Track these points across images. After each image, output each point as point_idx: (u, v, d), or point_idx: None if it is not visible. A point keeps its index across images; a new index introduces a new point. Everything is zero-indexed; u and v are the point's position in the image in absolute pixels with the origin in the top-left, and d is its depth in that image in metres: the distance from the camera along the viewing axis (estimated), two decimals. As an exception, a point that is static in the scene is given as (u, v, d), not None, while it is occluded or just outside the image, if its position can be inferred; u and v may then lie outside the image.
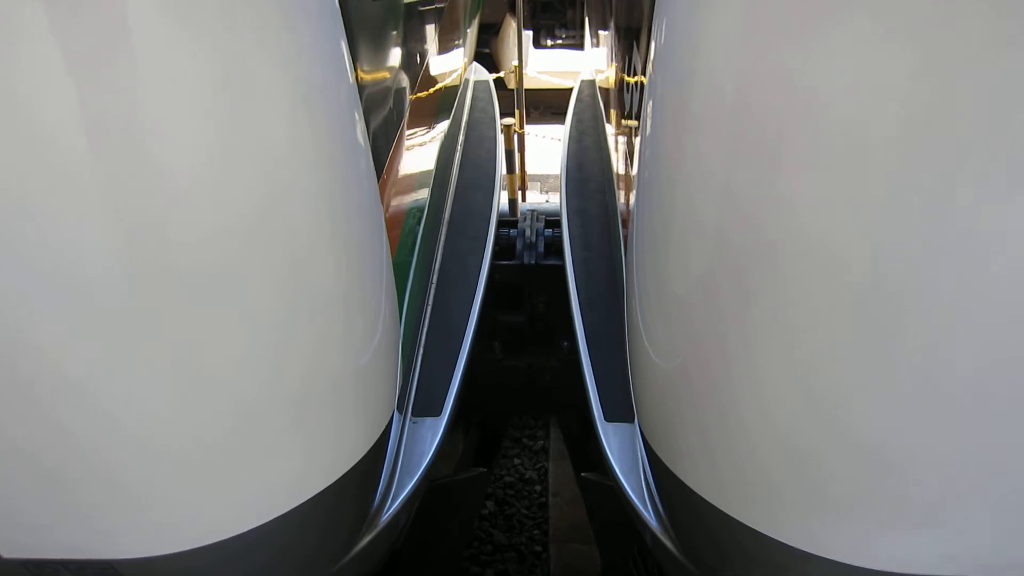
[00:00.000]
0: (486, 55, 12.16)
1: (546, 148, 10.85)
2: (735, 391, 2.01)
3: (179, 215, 1.61)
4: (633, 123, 3.05)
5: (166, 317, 1.71)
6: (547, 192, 10.20)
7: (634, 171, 2.71)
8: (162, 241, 1.62)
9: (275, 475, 2.20)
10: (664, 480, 2.55)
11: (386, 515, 2.90)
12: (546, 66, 12.58)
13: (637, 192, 2.51)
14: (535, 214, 5.42)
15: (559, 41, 13.70)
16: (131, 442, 1.85)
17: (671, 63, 2.02)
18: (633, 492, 2.97)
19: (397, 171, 3.02)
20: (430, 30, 4.14)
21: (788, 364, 1.83)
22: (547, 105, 12.47)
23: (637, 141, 2.64)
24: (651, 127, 2.26)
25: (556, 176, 10.21)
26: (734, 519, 2.23)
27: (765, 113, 1.59)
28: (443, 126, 4.71)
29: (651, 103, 2.24)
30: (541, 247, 5.13)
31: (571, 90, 6.68)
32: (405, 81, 3.28)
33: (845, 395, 1.77)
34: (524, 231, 5.21)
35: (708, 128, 1.79)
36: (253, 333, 1.89)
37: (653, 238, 2.26)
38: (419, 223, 3.75)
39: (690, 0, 1.87)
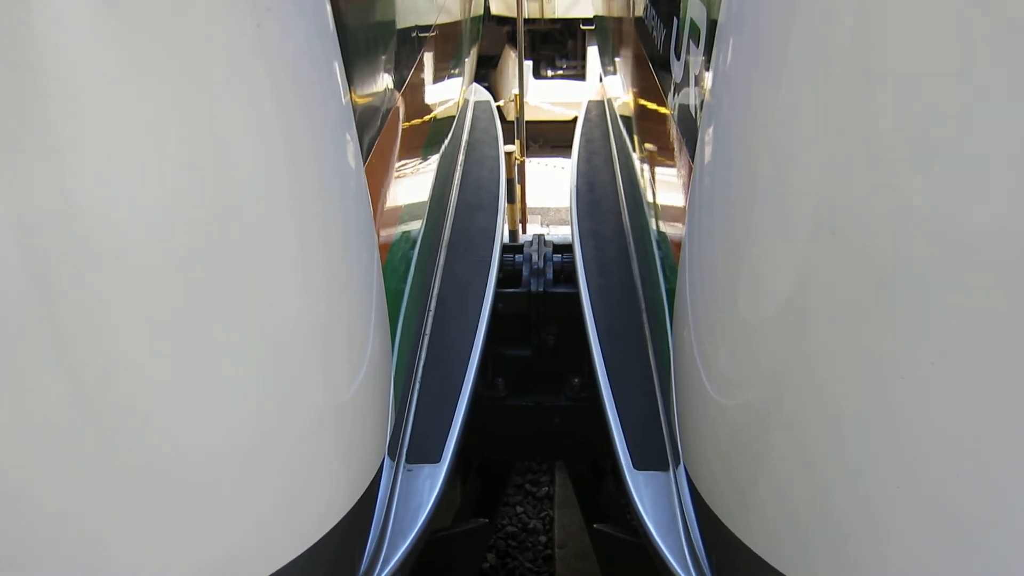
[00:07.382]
0: (485, 89, 12.26)
1: (547, 180, 10.68)
2: (823, 437, 1.74)
3: (112, 226, 1.44)
4: (675, 145, 2.94)
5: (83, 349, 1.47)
6: (548, 225, 10.01)
7: (680, 194, 2.63)
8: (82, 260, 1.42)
9: (240, 540, 1.88)
10: (718, 540, 2.26)
11: (375, 583, 2.50)
12: (543, 99, 12.58)
13: (693, 215, 2.39)
14: (542, 239, 5.12)
15: (559, 71, 13.78)
16: (61, 510, 1.60)
17: (745, 83, 1.94)
18: (670, 552, 2.66)
19: (387, 191, 2.90)
20: (427, 45, 4.05)
21: (897, 412, 1.58)
22: (547, 138, 12.41)
23: (690, 163, 2.54)
24: (715, 150, 2.15)
25: (558, 209, 10.19)
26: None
27: (888, 119, 1.43)
28: (440, 145, 4.61)
29: (712, 127, 2.16)
30: (550, 273, 4.83)
31: (573, 121, 6.62)
32: (398, 97, 3.16)
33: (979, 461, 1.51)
34: (531, 256, 4.90)
35: (810, 142, 1.64)
36: (204, 366, 1.65)
37: (726, 259, 2.09)
38: (413, 247, 3.58)
39: (773, 9, 1.72)
